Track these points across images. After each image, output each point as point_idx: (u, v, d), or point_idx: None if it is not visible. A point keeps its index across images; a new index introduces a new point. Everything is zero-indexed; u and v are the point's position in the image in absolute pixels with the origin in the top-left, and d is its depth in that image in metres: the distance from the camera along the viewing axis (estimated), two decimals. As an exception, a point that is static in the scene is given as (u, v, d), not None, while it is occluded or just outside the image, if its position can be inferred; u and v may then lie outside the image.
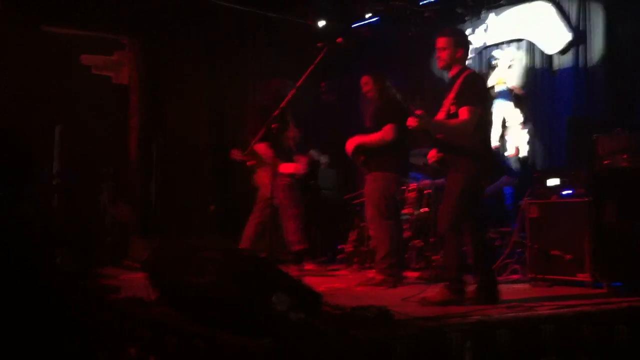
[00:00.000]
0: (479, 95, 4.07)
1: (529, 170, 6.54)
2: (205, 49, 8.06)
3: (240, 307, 2.57)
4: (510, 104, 7.41)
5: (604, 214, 4.75)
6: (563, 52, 6.91)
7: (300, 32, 8.43)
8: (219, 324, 2.67)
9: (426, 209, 6.32)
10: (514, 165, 6.74)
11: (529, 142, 7.18)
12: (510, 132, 7.36)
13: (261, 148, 5.73)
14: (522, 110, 7.30)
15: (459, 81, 4.06)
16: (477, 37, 7.74)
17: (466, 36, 4.42)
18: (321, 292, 2.95)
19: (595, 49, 6.63)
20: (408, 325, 2.85)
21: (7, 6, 6.53)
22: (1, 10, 6.47)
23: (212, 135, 8.15)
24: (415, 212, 6.40)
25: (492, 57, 7.65)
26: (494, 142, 7.22)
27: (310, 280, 4.18)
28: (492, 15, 7.64)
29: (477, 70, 7.30)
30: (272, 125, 5.00)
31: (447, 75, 4.31)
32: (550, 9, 6.98)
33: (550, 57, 7.05)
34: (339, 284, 5.02)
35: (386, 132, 5.02)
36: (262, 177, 5.89)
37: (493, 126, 7.26)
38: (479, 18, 7.74)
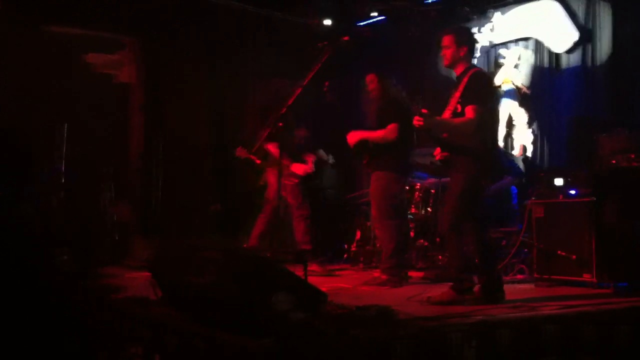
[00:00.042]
0: (485, 95, 4.07)
1: (535, 170, 6.54)
2: (205, 49, 8.05)
3: (240, 307, 2.57)
4: (516, 103, 7.40)
5: (605, 214, 4.75)
6: (570, 51, 6.89)
7: (300, 32, 8.42)
8: (219, 324, 2.66)
9: (431, 209, 6.34)
10: (520, 164, 6.73)
11: (533, 142, 7.18)
12: (516, 131, 7.35)
13: (273, 148, 5.78)
14: (527, 110, 7.29)
15: (465, 80, 4.06)
16: (484, 36, 7.73)
17: (470, 34, 4.40)
18: (325, 291, 2.95)
19: (602, 48, 6.61)
20: (408, 325, 2.85)
21: (7, 6, 6.52)
22: (1, 10, 6.46)
23: (212, 135, 8.14)
24: (421, 212, 6.42)
25: (499, 55, 7.64)
26: (500, 141, 7.22)
27: (314, 280, 4.19)
28: (498, 14, 7.63)
29: (484, 69, 7.30)
30: (278, 124, 5.01)
31: (454, 74, 4.30)
32: (558, 8, 6.96)
33: (557, 56, 7.03)
34: (344, 284, 5.03)
35: (389, 131, 5.03)
36: (272, 177, 5.93)
37: (498, 125, 7.32)
38: (485, 17, 7.73)
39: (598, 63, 6.65)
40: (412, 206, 6.43)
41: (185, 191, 7.72)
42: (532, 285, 4.95)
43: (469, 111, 3.95)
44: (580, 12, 6.86)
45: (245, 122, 8.27)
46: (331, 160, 6.63)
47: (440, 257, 5.74)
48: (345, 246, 7.17)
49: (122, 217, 6.94)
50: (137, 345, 3.15)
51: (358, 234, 6.87)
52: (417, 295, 4.04)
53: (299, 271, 3.20)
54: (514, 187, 6.30)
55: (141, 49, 7.75)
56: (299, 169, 6.04)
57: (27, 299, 3.83)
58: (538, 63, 7.25)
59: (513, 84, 7.46)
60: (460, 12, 7.73)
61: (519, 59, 7.45)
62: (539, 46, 7.25)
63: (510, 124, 7.42)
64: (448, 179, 4.33)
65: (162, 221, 7.56)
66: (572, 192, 4.99)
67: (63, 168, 6.60)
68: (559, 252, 4.88)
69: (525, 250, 5.40)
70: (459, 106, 4.03)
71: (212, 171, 8.09)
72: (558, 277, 4.88)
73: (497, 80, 7.51)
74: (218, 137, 8.13)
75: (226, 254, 2.85)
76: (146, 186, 7.69)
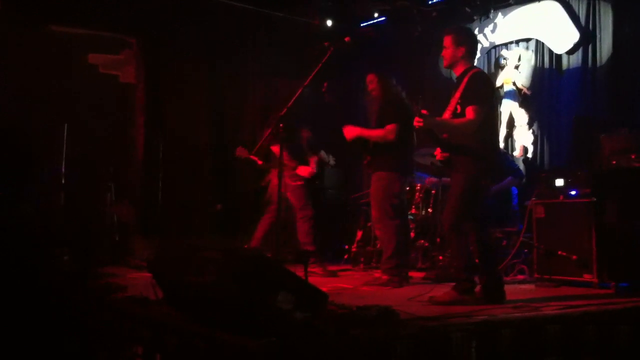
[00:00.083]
0: (485, 95, 4.06)
1: (536, 170, 6.53)
2: (205, 49, 8.04)
3: (240, 307, 2.57)
4: (517, 104, 7.40)
5: (605, 214, 4.74)
6: (571, 51, 6.88)
7: (300, 31, 8.42)
8: (219, 324, 2.66)
9: (431, 209, 6.34)
10: (520, 165, 6.73)
11: (534, 142, 7.17)
12: (517, 132, 7.35)
13: (278, 149, 5.79)
14: (528, 111, 7.29)
15: (464, 80, 4.06)
16: (485, 37, 7.74)
17: (469, 34, 4.39)
18: (326, 291, 2.95)
19: (603, 49, 6.60)
20: (409, 325, 2.84)
21: (7, 5, 6.52)
22: (1, 9, 6.46)
23: (212, 135, 8.14)
24: (422, 212, 6.41)
25: (501, 56, 7.64)
26: (501, 142, 7.22)
27: (315, 280, 4.19)
28: (500, 15, 7.63)
29: (485, 70, 7.31)
30: (279, 125, 5.01)
31: (454, 75, 4.29)
32: (559, 9, 6.95)
33: (558, 57, 7.02)
34: (345, 284, 5.03)
35: (388, 132, 5.03)
36: (276, 178, 5.93)
37: (500, 126, 7.32)
38: (487, 17, 7.73)
39: (599, 64, 6.64)
40: (413, 207, 6.43)
41: (186, 191, 7.72)
42: (533, 286, 4.95)
43: (469, 112, 3.95)
44: (581, 13, 6.85)
45: (245, 122, 8.28)
46: (332, 161, 6.64)
47: (440, 257, 5.74)
48: (346, 247, 7.17)
49: (122, 217, 6.94)
50: (137, 345, 3.15)
51: (359, 235, 6.87)
52: (418, 296, 4.04)
53: (299, 271, 3.20)
54: (514, 188, 6.30)
55: (141, 49, 7.74)
56: (304, 171, 6.06)
57: (27, 299, 3.83)
58: (539, 64, 7.24)
59: (514, 84, 7.45)
60: (462, 12, 7.73)
61: (519, 59, 7.44)
62: (539, 47, 7.24)
63: (511, 125, 7.42)
64: (448, 179, 4.33)
65: (162, 221, 7.56)
66: (573, 192, 4.99)
67: (63, 168, 6.60)
68: (559, 252, 4.87)
69: (526, 250, 5.41)
70: (458, 107, 4.03)
71: (212, 171, 8.08)
72: (559, 277, 4.88)
73: (498, 80, 7.51)
74: (218, 137, 8.13)
75: (226, 254, 2.84)
76: (146, 186, 7.69)
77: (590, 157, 5.73)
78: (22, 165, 6.17)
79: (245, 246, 6.00)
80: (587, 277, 4.71)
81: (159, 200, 7.71)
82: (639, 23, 6.35)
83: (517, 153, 7.16)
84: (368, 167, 5.26)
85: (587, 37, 6.76)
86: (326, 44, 4.81)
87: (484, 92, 4.08)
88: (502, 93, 7.48)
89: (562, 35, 6.94)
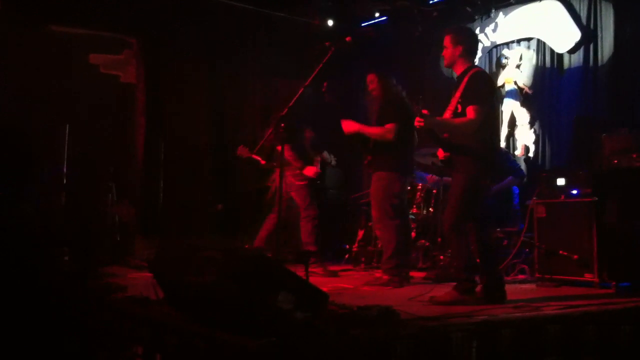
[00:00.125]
0: (485, 94, 4.06)
1: (537, 170, 6.53)
2: (205, 49, 8.04)
3: (240, 307, 2.56)
4: (518, 103, 7.39)
5: (606, 213, 4.74)
6: (572, 51, 6.88)
7: (300, 31, 8.42)
8: (219, 324, 2.66)
9: (432, 209, 6.34)
10: (522, 165, 6.72)
11: (535, 142, 7.17)
12: (518, 131, 7.35)
13: (285, 150, 5.80)
14: (529, 110, 7.28)
15: (464, 80, 4.05)
16: (487, 36, 7.73)
17: (468, 34, 4.38)
18: (327, 291, 2.95)
19: (604, 48, 6.60)
20: (409, 325, 2.84)
21: (8, 5, 6.52)
22: (1, 9, 6.45)
23: (212, 135, 8.14)
24: (422, 212, 6.41)
25: (502, 55, 7.63)
26: (502, 141, 7.21)
27: (315, 280, 4.19)
28: (501, 15, 7.62)
29: (486, 69, 7.30)
30: (280, 125, 5.01)
31: (455, 74, 4.29)
32: (560, 8, 6.95)
33: (560, 56, 7.02)
34: (346, 284, 5.03)
35: (387, 131, 5.02)
36: (285, 178, 5.94)
37: (502, 125, 7.32)
38: (488, 17, 7.73)
39: (600, 63, 6.64)
40: (414, 206, 6.43)
41: (186, 191, 7.72)
42: (533, 285, 4.95)
43: (470, 111, 3.95)
44: (583, 12, 6.84)
45: (245, 122, 8.27)
46: (333, 161, 6.65)
47: (441, 257, 5.73)
48: (347, 247, 7.17)
49: (122, 217, 6.94)
50: (137, 345, 3.14)
51: (359, 235, 6.87)
52: (419, 296, 4.04)
53: (300, 271, 3.19)
54: (515, 187, 6.30)
55: (141, 49, 7.74)
56: (310, 171, 6.06)
57: (27, 299, 3.82)
58: (540, 63, 7.24)
59: (515, 84, 7.45)
60: (462, 12, 7.73)
61: (520, 59, 7.44)
62: (541, 46, 7.24)
63: (512, 124, 7.41)
64: (449, 179, 4.32)
65: (162, 221, 7.56)
66: (574, 192, 4.98)
67: (64, 168, 6.60)
68: (560, 252, 4.87)
69: (527, 250, 5.40)
70: (459, 106, 4.03)
71: (212, 171, 8.08)
72: (559, 277, 4.88)
73: (500, 80, 7.51)
74: (218, 137, 8.13)
75: (226, 254, 2.84)
76: (147, 186, 7.69)
77: (591, 157, 5.73)
78: (22, 165, 6.17)
79: (248, 246, 6.00)
80: (587, 276, 4.71)
81: (159, 200, 7.71)
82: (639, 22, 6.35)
83: (518, 152, 7.16)
84: (368, 167, 5.26)
85: (588, 37, 6.75)
86: (327, 43, 4.81)
87: (484, 91, 4.07)
88: (503, 92, 7.48)
89: (563, 34, 6.93)
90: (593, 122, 6.33)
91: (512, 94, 7.44)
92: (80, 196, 6.80)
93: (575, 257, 4.76)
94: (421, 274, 5.58)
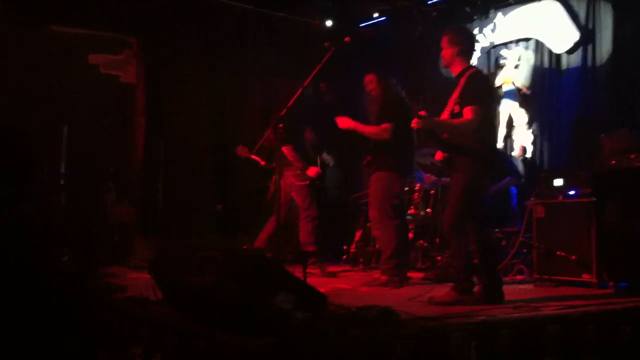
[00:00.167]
0: (483, 95, 4.06)
1: (535, 170, 6.53)
2: (205, 49, 8.04)
3: (240, 307, 2.57)
4: (516, 104, 7.40)
5: (605, 214, 4.74)
6: (570, 51, 6.88)
7: (300, 31, 8.42)
8: (219, 324, 2.66)
9: (430, 210, 6.34)
10: (519, 165, 6.73)
11: (534, 142, 7.17)
12: (516, 132, 7.35)
13: (287, 150, 5.81)
14: (528, 110, 7.29)
15: (462, 80, 4.05)
16: (485, 37, 7.74)
17: (466, 34, 4.38)
18: (325, 292, 2.95)
19: (603, 48, 6.59)
20: (409, 325, 2.84)
21: (7, 5, 6.52)
22: (1, 9, 6.46)
23: (212, 135, 8.14)
24: (421, 213, 6.41)
25: (501, 56, 7.64)
26: (500, 142, 7.21)
27: (314, 281, 4.19)
28: (499, 15, 7.62)
29: (484, 69, 7.30)
30: (279, 126, 5.01)
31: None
32: (559, 8, 6.95)
33: (558, 56, 7.02)
34: (344, 285, 5.03)
35: (383, 130, 5.03)
36: (286, 178, 5.95)
37: (499, 126, 7.31)
38: (487, 17, 7.73)
39: (598, 63, 6.64)
40: (412, 207, 6.43)
41: (186, 191, 7.72)
42: (532, 286, 4.95)
43: (468, 112, 3.95)
44: (581, 13, 6.84)
45: (245, 122, 8.28)
46: (332, 162, 6.66)
47: (440, 257, 5.74)
48: (345, 247, 7.17)
49: (122, 217, 6.95)
50: (137, 345, 3.15)
51: (357, 235, 6.87)
52: (418, 296, 4.05)
53: (298, 272, 3.20)
54: (513, 188, 6.31)
55: (141, 49, 7.75)
56: (312, 171, 6.06)
57: (27, 299, 3.83)
58: (538, 63, 7.24)
59: (513, 84, 7.45)
60: (462, 12, 7.74)
61: (519, 59, 7.44)
62: (539, 46, 7.24)
63: (510, 125, 7.41)
64: (448, 179, 4.33)
65: (162, 221, 7.56)
66: (572, 192, 4.99)
67: (63, 168, 6.61)
68: (559, 252, 4.87)
69: (525, 250, 5.40)
70: (456, 107, 4.03)
71: (212, 171, 8.08)
72: (558, 277, 4.88)
73: (498, 80, 7.51)
74: (218, 137, 8.13)
75: (226, 254, 2.84)
76: (146, 186, 7.69)
77: (590, 157, 5.73)
78: (22, 165, 6.17)
79: (246, 247, 6.00)
80: (586, 277, 4.71)
81: (159, 200, 7.71)
82: (639, 22, 6.35)
83: (516, 153, 7.16)
84: (368, 167, 5.26)
85: (587, 37, 6.75)
86: (326, 44, 4.82)
87: (482, 92, 4.08)
88: (501, 93, 7.47)
89: (562, 34, 6.93)
90: (592, 122, 6.33)
91: (510, 95, 7.45)
92: (80, 196, 6.80)
93: (574, 257, 4.77)
94: (420, 275, 5.58)
